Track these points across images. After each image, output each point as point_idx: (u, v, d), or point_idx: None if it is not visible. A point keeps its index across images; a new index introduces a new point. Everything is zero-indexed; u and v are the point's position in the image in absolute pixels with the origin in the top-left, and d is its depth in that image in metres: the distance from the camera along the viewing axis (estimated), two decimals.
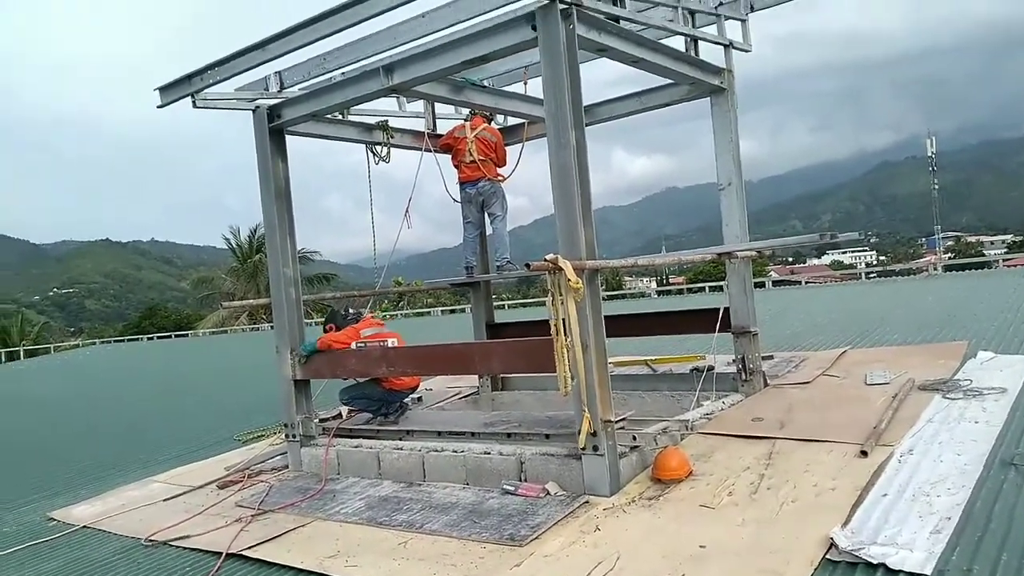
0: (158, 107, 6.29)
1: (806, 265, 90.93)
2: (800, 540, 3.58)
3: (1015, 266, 25.75)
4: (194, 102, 6.14)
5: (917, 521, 3.56)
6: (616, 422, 4.77)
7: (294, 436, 6.34)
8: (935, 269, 26.26)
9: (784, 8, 6.89)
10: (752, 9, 6.72)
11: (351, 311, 6.94)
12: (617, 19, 5.20)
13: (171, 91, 6.21)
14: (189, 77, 6.06)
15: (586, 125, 4.83)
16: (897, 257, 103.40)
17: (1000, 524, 3.42)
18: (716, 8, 6.40)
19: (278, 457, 6.64)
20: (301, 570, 4.15)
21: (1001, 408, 5.19)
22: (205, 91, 6.13)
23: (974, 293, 13.23)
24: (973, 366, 6.62)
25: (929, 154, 55.84)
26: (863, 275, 29.05)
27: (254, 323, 39.27)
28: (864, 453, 4.58)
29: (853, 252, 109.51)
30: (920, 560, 3.16)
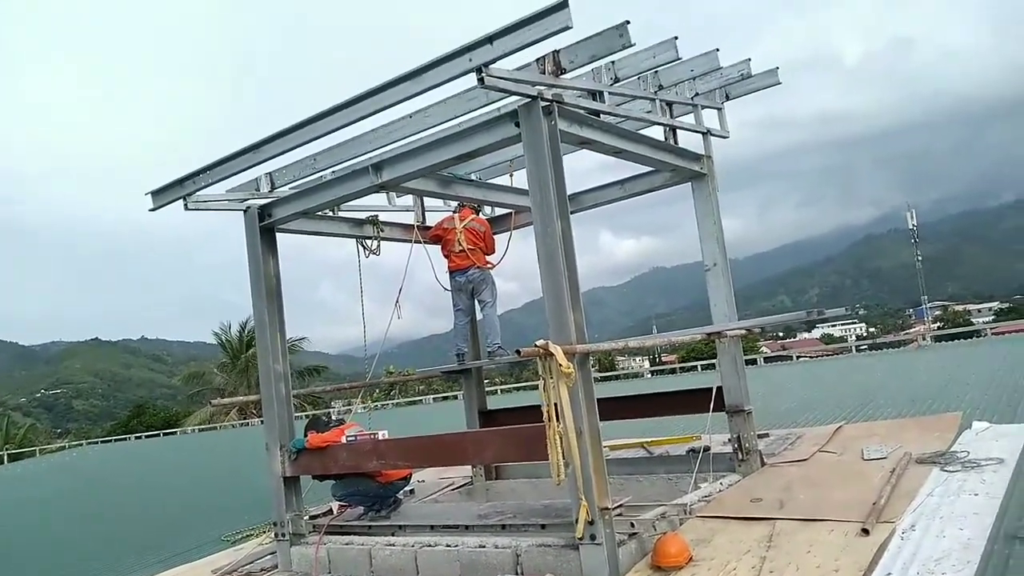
0: (150, 210, 6.39)
1: (797, 339, 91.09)
2: None
3: (1003, 333, 25.90)
4: (186, 205, 6.26)
5: None
6: (613, 509, 4.71)
7: (283, 535, 6.19)
8: (925, 340, 26.39)
9: (760, 95, 7.17)
10: (727, 98, 6.98)
11: (334, 417, 6.88)
12: (597, 113, 5.39)
13: (163, 195, 6.33)
14: (181, 181, 6.19)
15: (571, 212, 4.95)
16: (886, 328, 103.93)
17: None
18: (692, 99, 6.64)
19: (267, 557, 6.46)
20: None
21: (1000, 479, 5.15)
22: (196, 193, 6.25)
23: (965, 363, 13.27)
24: (969, 437, 6.59)
25: (911, 226, 56.90)
26: (853, 348, 29.11)
27: (244, 418, 38.79)
28: (866, 531, 4.51)
29: (843, 325, 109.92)
30: None
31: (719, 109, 6.95)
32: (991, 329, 29.78)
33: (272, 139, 5.62)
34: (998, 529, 4.23)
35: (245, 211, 6.49)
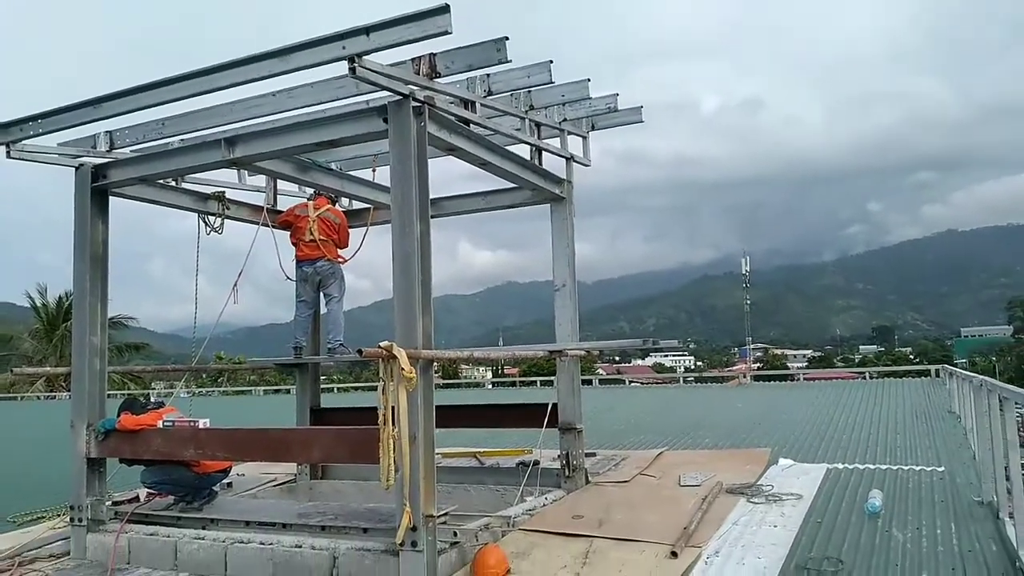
0: None
1: (631, 365, 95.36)
2: None
3: (814, 380, 28.26)
4: (8, 152, 5.67)
5: None
6: (438, 517, 4.66)
7: (80, 520, 5.69)
8: (745, 378, 28.30)
9: (623, 130, 7.45)
10: (593, 127, 7.20)
11: (152, 400, 6.43)
12: (467, 122, 5.39)
13: None
14: (7, 126, 5.59)
15: (433, 217, 4.90)
16: (712, 363, 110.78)
17: None
18: (560, 123, 6.80)
19: (58, 543, 5.90)
20: None
21: (798, 513, 5.57)
22: (24, 142, 5.68)
23: (778, 403, 14.36)
24: (775, 472, 7.10)
25: (744, 271, 61.03)
26: (682, 379, 30.80)
27: (52, 391, 35.67)
28: (675, 554, 4.73)
29: (674, 356, 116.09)
30: None
31: (584, 137, 7.15)
32: (803, 374, 32.40)
33: (116, 96, 5.17)
34: (791, 559, 4.56)
35: (77, 168, 5.95)
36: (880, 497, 5.67)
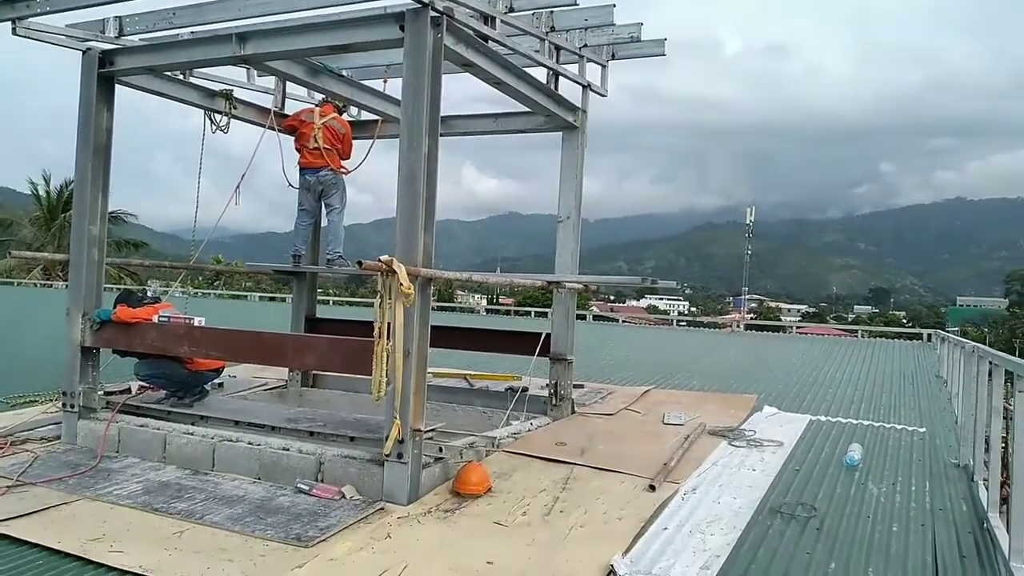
0: None
1: (625, 305, 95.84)
2: (583, 564, 3.69)
3: (806, 333, 28.43)
4: (14, 29, 5.51)
5: (690, 556, 3.79)
6: (425, 432, 4.74)
7: (72, 406, 5.77)
8: (738, 326, 28.48)
9: (642, 64, 7.27)
10: (613, 56, 7.01)
11: (149, 294, 6.43)
12: (486, 38, 5.25)
13: None
14: (13, 1, 5.43)
15: (442, 135, 4.82)
16: (707, 310, 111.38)
17: (760, 566, 3.71)
18: (580, 49, 6.62)
19: (50, 427, 6.01)
20: (57, 551, 3.75)
21: (777, 459, 5.67)
22: (30, 19, 5.52)
23: (768, 352, 14.47)
24: (759, 418, 7.20)
25: (748, 221, 60.83)
26: (675, 322, 30.98)
27: (49, 279, 35.79)
28: (652, 487, 4.83)
29: (669, 300, 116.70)
30: None
31: (603, 66, 6.99)
32: (796, 327, 32.61)
33: None
34: (765, 502, 4.66)
35: (84, 52, 5.82)
36: (859, 451, 5.77)
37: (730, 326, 29.37)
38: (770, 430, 6.64)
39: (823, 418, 7.35)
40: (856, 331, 29.85)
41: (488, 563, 3.71)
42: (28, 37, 5.57)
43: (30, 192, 41.65)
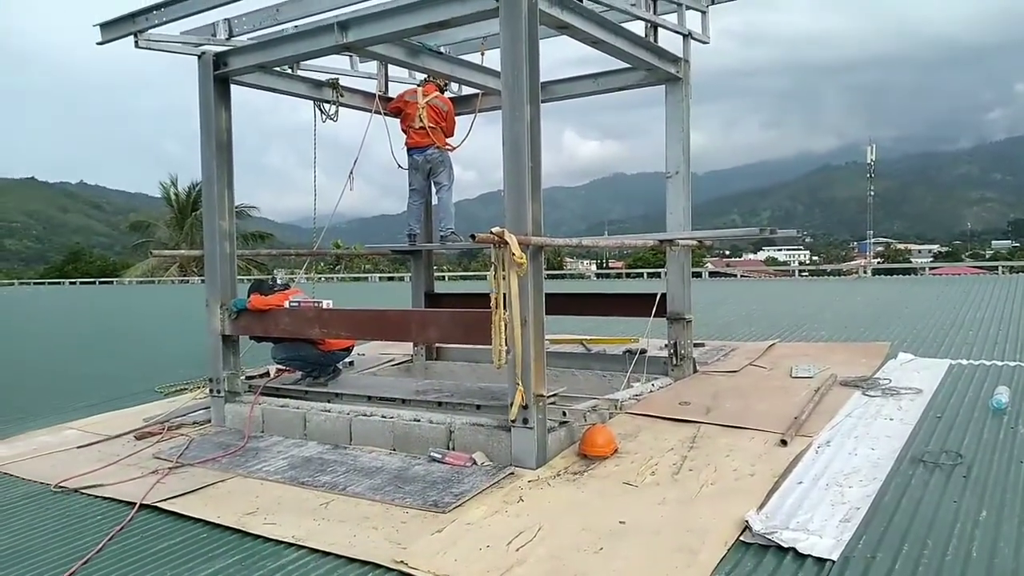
0: (98, 44, 6.05)
1: (742, 259, 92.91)
2: (717, 521, 3.67)
3: (940, 274, 26.81)
4: (136, 42, 5.90)
5: (828, 509, 3.69)
6: (548, 397, 4.81)
7: (218, 392, 6.20)
8: (865, 272, 27.16)
9: (743, 5, 6.98)
10: (713, 2, 6.76)
11: (278, 281, 6.78)
12: None
13: (113, 28, 5.96)
14: (133, 16, 5.81)
15: (543, 101, 4.81)
16: (829, 258, 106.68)
17: (904, 517, 3.57)
18: None
19: (200, 412, 6.49)
20: (217, 525, 4.06)
21: (916, 408, 5.41)
22: (149, 32, 5.89)
23: (900, 297, 13.74)
24: (893, 366, 6.88)
25: (868, 160, 57.60)
26: (796, 272, 29.84)
27: (184, 275, 38.27)
28: (784, 442, 4.72)
29: (788, 250, 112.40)
30: (828, 546, 3.27)
31: (703, 12, 6.75)
32: (929, 268, 30.77)
33: None
34: (906, 452, 4.47)
35: (200, 56, 6.15)
36: (1007, 393, 5.41)
37: (856, 272, 28.05)
38: (907, 377, 6.33)
39: (964, 362, 6.94)
40: (996, 267, 27.84)
41: (620, 522, 3.74)
42: (149, 48, 5.94)
43: (161, 195, 44.57)
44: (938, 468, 4.17)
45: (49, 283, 46.20)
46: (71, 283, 43.24)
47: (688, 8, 6.57)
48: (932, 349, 7.72)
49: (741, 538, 3.46)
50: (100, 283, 41.92)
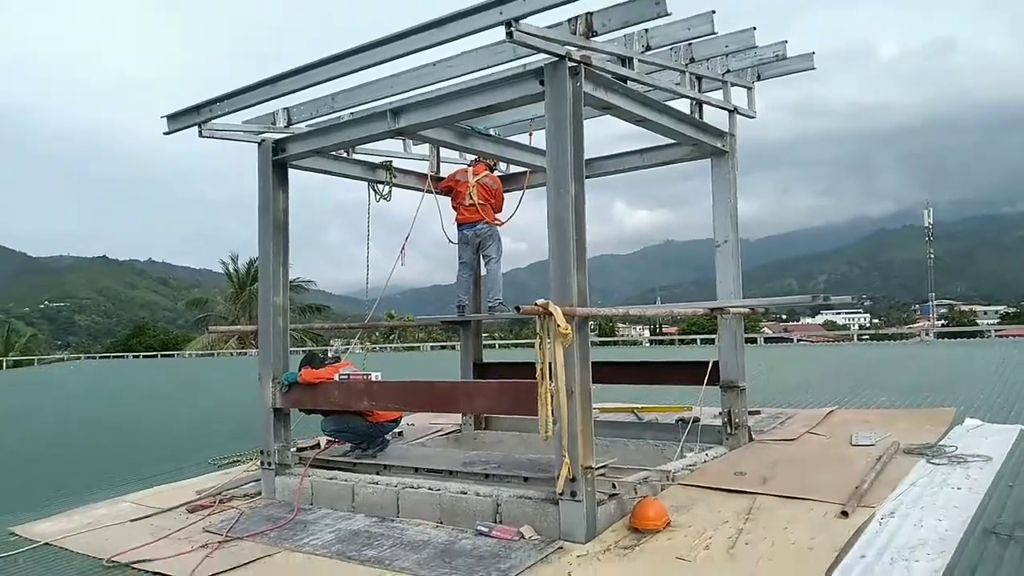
0: (164, 134, 6.39)
1: (799, 323, 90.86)
2: None
3: (1007, 336, 25.82)
4: (200, 131, 6.22)
5: None
6: (596, 469, 4.75)
7: (269, 464, 6.28)
8: (927, 335, 26.34)
9: (795, 79, 7.04)
10: (759, 78, 6.85)
11: (330, 354, 6.91)
12: (625, 79, 5.30)
13: (179, 119, 6.30)
14: (198, 108, 6.15)
15: (588, 177, 4.91)
16: (891, 321, 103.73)
17: None
18: (723, 75, 6.51)
19: (252, 484, 6.55)
20: None
21: (985, 476, 5.18)
22: (212, 121, 6.21)
23: (965, 361, 13.27)
24: (959, 433, 6.61)
25: (927, 223, 56.52)
26: (855, 337, 29.08)
27: (243, 348, 39.11)
28: (845, 513, 4.54)
29: (847, 313, 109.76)
30: None
31: (749, 88, 6.83)
32: (995, 331, 29.67)
33: (289, 75, 5.55)
34: (976, 523, 4.26)
35: (260, 144, 6.45)
36: None
37: (918, 335, 27.21)
38: (974, 444, 6.06)
39: None
40: None
41: None
42: (212, 136, 6.26)
43: (222, 271, 46.06)
44: (1012, 541, 3.96)
45: (113, 357, 47.66)
46: (135, 356, 44.53)
47: (734, 85, 6.65)
48: (1001, 414, 7.40)
49: None
50: (162, 356, 43.10)
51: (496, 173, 8.01)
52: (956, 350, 17.25)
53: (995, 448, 5.89)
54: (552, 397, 4.51)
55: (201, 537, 5.29)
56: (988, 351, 15.24)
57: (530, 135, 7.27)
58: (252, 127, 6.53)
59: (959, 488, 4.94)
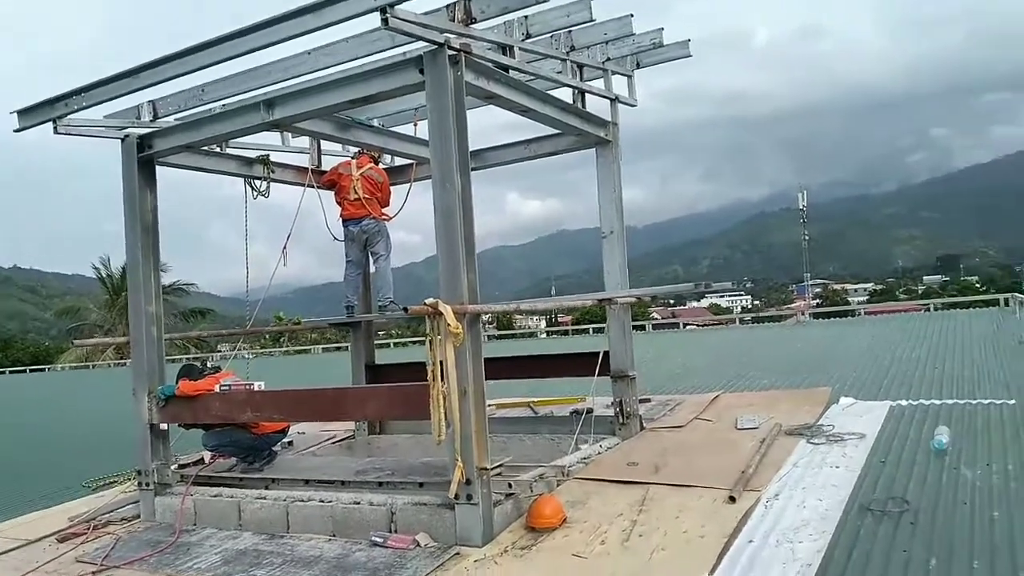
0: (15, 131, 5.86)
1: (686, 307, 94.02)
2: None
3: (875, 314, 27.53)
4: (55, 128, 5.75)
5: (780, 568, 3.63)
6: (492, 469, 4.68)
7: (147, 484, 5.89)
8: (804, 316, 27.77)
9: (673, 66, 7.16)
10: (638, 65, 6.93)
11: (208, 366, 6.56)
12: (506, 68, 5.24)
13: (31, 115, 5.79)
14: (52, 102, 5.66)
15: (475, 169, 4.83)
16: (770, 302, 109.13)
17: (856, 570, 3.53)
18: (603, 63, 6.56)
19: (129, 507, 6.13)
20: None
21: (860, 453, 5.44)
22: (70, 117, 5.75)
23: (838, 340, 14.04)
24: (835, 411, 6.94)
25: (801, 206, 59.63)
26: (738, 320, 30.36)
27: (121, 359, 37.05)
28: (732, 499, 4.66)
29: (730, 296, 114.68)
30: None
31: (629, 76, 6.91)
32: (864, 309, 31.58)
33: (151, 65, 5.16)
34: (853, 501, 4.45)
35: (123, 140, 6.02)
36: (947, 434, 5.47)
37: (795, 316, 28.67)
38: (849, 422, 6.38)
39: (904, 402, 7.04)
40: (927, 305, 28.73)
41: None
42: (68, 134, 5.79)
43: (95, 276, 43.40)
44: (886, 516, 4.16)
45: None
46: (0, 372, 41.46)
47: (614, 73, 6.71)
48: (872, 391, 7.83)
49: None
50: (31, 371, 40.30)
51: (381, 166, 7.79)
52: (830, 329, 18.26)
53: (868, 425, 6.21)
54: (444, 399, 4.42)
55: (73, 568, 4.92)
56: (859, 329, 16.21)
57: (415, 125, 7.11)
58: (114, 122, 6.10)
59: (837, 467, 5.16)
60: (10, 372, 41.08)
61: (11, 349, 56.79)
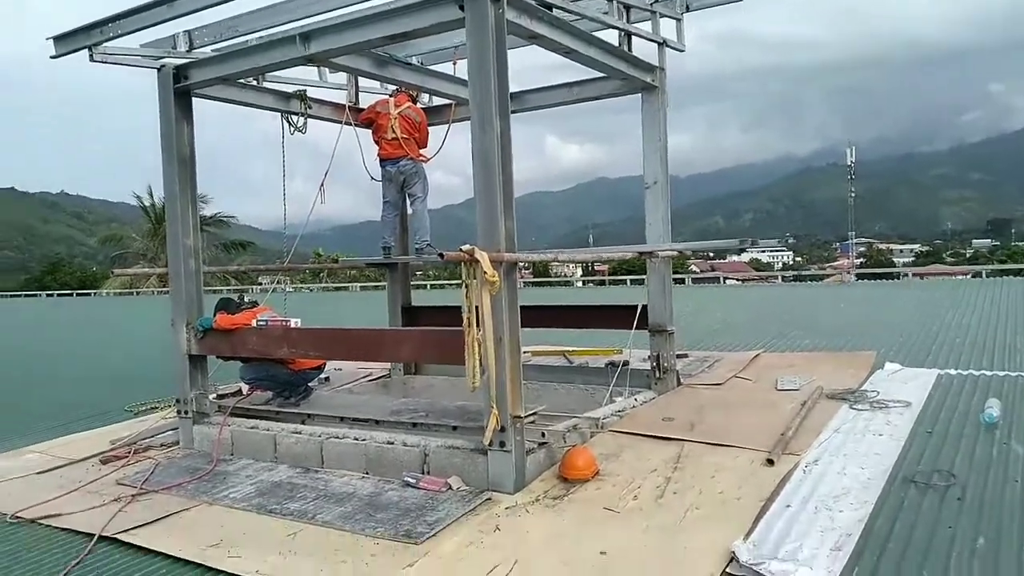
0: (51, 57, 5.81)
1: (726, 261, 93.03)
2: (702, 551, 3.49)
3: (922, 276, 26.84)
4: (91, 55, 5.67)
5: (818, 536, 3.52)
6: (526, 417, 4.63)
7: (186, 413, 5.97)
8: (848, 275, 27.18)
9: (724, 10, 6.81)
10: (688, 9, 6.60)
11: (246, 299, 6.56)
12: (550, 7, 5.00)
13: (67, 41, 5.72)
14: (87, 28, 5.59)
15: (516, 112, 4.65)
16: (812, 259, 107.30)
17: (898, 544, 3.41)
18: (651, 5, 6.26)
19: (169, 433, 6.25)
20: (179, 559, 3.85)
21: (905, 422, 5.27)
22: (105, 45, 5.65)
23: (884, 303, 13.69)
24: (880, 377, 6.75)
25: (849, 162, 58.01)
26: (780, 276, 29.85)
27: (164, 286, 37.82)
28: (771, 461, 4.55)
29: (772, 251, 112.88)
30: None
31: (678, 19, 6.60)
32: (912, 271, 30.82)
33: None
34: (897, 471, 4.31)
35: (159, 70, 5.92)
36: (998, 406, 5.28)
37: (840, 274, 28.08)
38: (895, 389, 6.19)
39: (953, 371, 6.82)
40: (980, 271, 27.90)
41: (601, 553, 3.57)
42: (104, 62, 5.71)
43: (137, 205, 44.01)
44: (931, 489, 4.02)
45: (26, 295, 45.57)
46: (49, 295, 42.65)
47: (662, 16, 6.41)
48: (919, 358, 7.60)
49: (728, 569, 3.29)
50: (78, 295, 41.37)
51: (419, 105, 7.62)
52: (875, 291, 17.83)
53: (914, 393, 6.02)
54: (479, 346, 4.34)
55: (114, 490, 4.99)
56: (905, 292, 15.79)
57: (454, 64, 6.90)
58: (151, 51, 5.97)
59: (880, 435, 5.00)
60: (58, 295, 42.20)
61: (59, 272, 58.30)
